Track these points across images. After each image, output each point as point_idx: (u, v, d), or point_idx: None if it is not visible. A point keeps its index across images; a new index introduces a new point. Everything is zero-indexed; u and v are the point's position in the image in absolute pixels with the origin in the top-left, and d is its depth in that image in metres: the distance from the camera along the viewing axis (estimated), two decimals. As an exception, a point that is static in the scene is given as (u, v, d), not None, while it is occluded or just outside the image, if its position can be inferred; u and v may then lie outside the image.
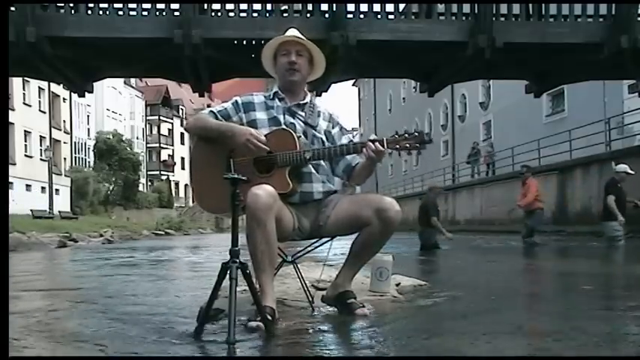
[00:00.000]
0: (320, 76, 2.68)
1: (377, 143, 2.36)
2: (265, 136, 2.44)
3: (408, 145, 2.33)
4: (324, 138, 2.55)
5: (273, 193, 2.23)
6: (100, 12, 9.75)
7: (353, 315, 2.42)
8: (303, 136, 2.49)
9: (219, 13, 9.98)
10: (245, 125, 2.51)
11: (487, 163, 22.87)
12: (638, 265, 6.07)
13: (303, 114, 2.55)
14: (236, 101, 2.57)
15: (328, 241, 2.58)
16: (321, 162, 2.52)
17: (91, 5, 9.66)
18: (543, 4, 10.32)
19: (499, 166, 21.55)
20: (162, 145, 53.53)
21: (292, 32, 2.57)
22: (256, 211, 2.17)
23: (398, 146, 2.34)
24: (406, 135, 2.35)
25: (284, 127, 2.47)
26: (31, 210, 20.91)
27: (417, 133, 2.35)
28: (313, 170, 2.50)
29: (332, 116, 2.63)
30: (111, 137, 37.56)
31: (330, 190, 2.55)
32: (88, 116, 38.76)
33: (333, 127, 2.60)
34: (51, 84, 26.60)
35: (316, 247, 2.64)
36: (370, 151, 2.35)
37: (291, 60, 2.50)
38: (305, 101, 2.58)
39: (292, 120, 2.52)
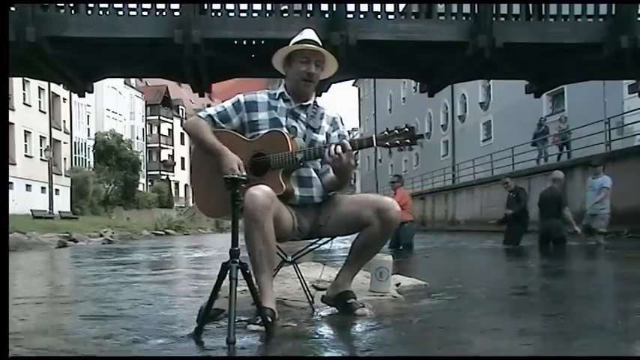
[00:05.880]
0: (327, 76, 2.65)
1: (338, 146, 2.30)
2: (260, 137, 2.44)
3: (398, 141, 2.28)
4: (324, 140, 2.52)
5: (270, 194, 2.22)
6: (100, 12, 9.75)
7: (353, 315, 2.42)
8: (301, 139, 2.48)
9: (219, 13, 9.98)
10: (246, 125, 2.51)
11: (559, 144, 17.47)
12: None
13: (305, 116, 2.53)
14: (238, 100, 2.54)
15: (328, 241, 2.58)
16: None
17: (91, 5, 9.67)
18: (543, 4, 10.32)
19: (576, 147, 15.80)
20: (162, 145, 53.51)
21: (310, 35, 2.51)
22: (254, 212, 2.16)
23: (388, 143, 2.29)
24: (396, 131, 2.28)
25: (277, 128, 2.44)
26: (31, 210, 20.90)
27: (407, 129, 2.29)
28: (314, 174, 2.50)
29: (335, 119, 2.60)
30: (109, 137, 37.56)
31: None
32: (88, 116, 38.70)
33: (333, 131, 2.57)
34: (51, 84, 26.56)
35: (316, 247, 2.64)
36: (328, 155, 2.31)
37: (310, 72, 2.46)
38: (308, 102, 2.55)
39: (294, 123, 2.50)
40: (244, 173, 2.33)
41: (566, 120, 17.28)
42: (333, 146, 2.32)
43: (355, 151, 2.36)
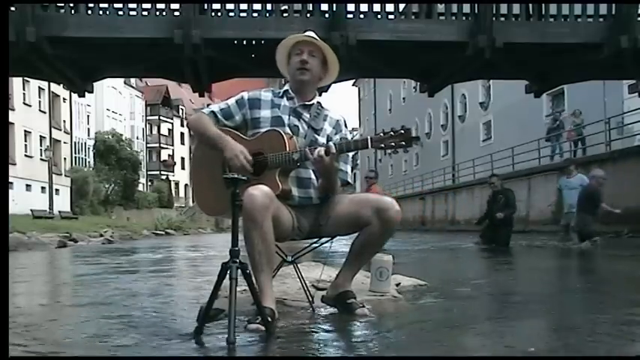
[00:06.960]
0: (333, 80, 2.65)
1: (320, 150, 2.30)
2: (259, 136, 2.44)
3: (393, 143, 2.27)
4: (325, 142, 2.50)
5: (269, 194, 2.22)
6: (100, 12, 9.77)
7: (353, 315, 2.42)
8: (302, 138, 2.48)
9: (219, 13, 9.99)
10: (249, 122, 2.51)
11: (573, 140, 16.42)
12: None
13: (308, 115, 2.53)
14: (242, 97, 2.54)
15: (328, 241, 2.58)
16: None
17: (91, 5, 9.68)
18: (543, 4, 10.33)
19: (592, 143, 15.36)
20: (162, 145, 53.56)
21: (308, 33, 2.55)
22: (252, 212, 2.16)
23: (383, 145, 2.28)
24: (391, 133, 2.28)
25: (275, 127, 2.44)
26: (31, 210, 20.90)
27: (402, 131, 2.28)
28: (313, 176, 2.49)
29: (338, 122, 2.59)
30: (110, 137, 37.59)
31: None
32: (88, 116, 38.72)
33: (335, 134, 2.56)
34: (51, 84, 26.57)
35: (316, 247, 2.64)
36: (311, 158, 2.32)
37: (302, 59, 2.47)
38: (312, 102, 2.55)
39: (297, 122, 2.50)
40: (250, 158, 2.34)
41: (581, 114, 16.35)
42: (317, 149, 2.32)
43: (355, 152, 2.36)
